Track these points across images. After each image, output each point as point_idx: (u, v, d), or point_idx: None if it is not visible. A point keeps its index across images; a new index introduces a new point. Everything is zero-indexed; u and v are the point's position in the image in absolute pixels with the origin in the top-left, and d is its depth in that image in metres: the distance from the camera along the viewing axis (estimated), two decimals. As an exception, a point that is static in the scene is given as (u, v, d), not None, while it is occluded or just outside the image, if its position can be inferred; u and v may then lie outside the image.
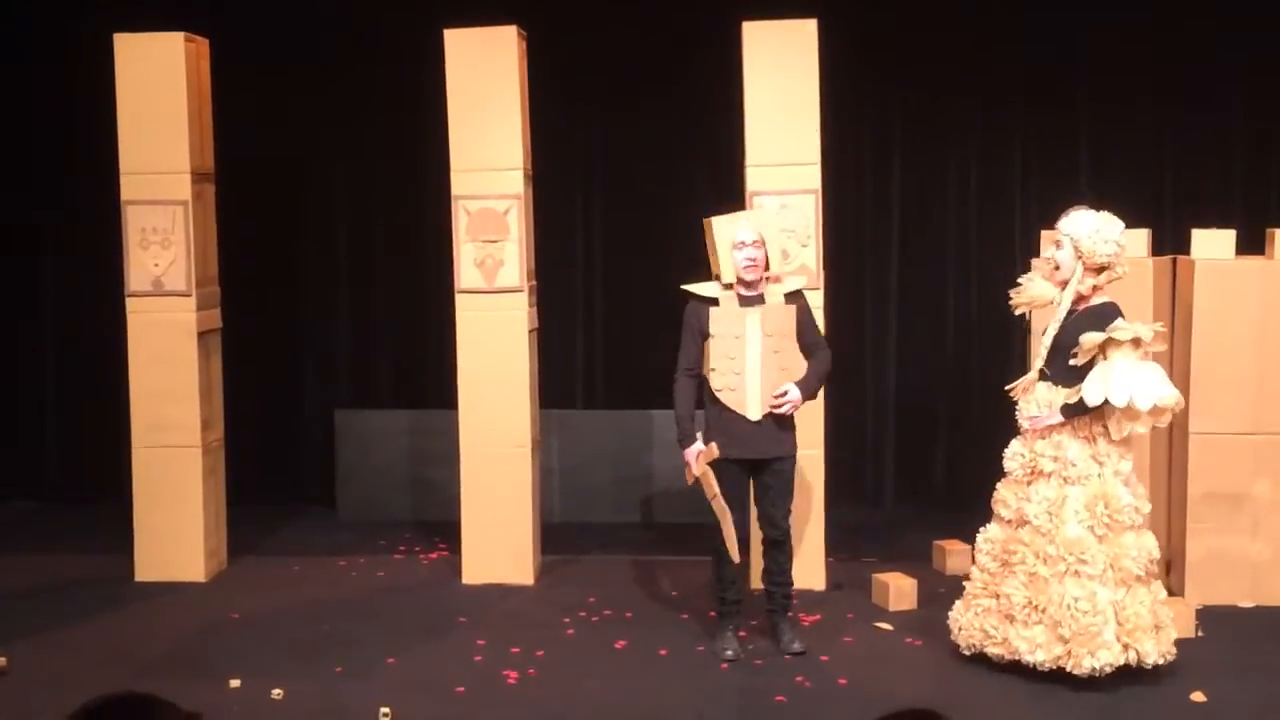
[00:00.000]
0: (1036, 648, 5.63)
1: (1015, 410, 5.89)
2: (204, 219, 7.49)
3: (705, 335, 6.09)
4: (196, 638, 6.45)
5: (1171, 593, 6.81)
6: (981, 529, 6.03)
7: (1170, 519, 6.97)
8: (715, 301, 6.10)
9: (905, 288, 8.98)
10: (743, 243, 6.02)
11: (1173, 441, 6.99)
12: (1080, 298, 5.74)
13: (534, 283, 7.49)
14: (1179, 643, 5.81)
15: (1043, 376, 5.78)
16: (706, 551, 6.47)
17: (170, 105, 7.24)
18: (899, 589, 6.86)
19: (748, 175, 7.10)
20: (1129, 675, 5.57)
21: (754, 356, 6.06)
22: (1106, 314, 5.67)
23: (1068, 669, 5.55)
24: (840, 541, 7.38)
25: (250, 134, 8.26)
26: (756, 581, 7.01)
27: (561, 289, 8.72)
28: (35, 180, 9.02)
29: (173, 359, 7.35)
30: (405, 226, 8.79)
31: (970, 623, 5.94)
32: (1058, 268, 5.81)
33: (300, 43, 8.74)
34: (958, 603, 6.09)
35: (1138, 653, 5.54)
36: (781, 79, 7.01)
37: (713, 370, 6.08)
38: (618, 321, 9.21)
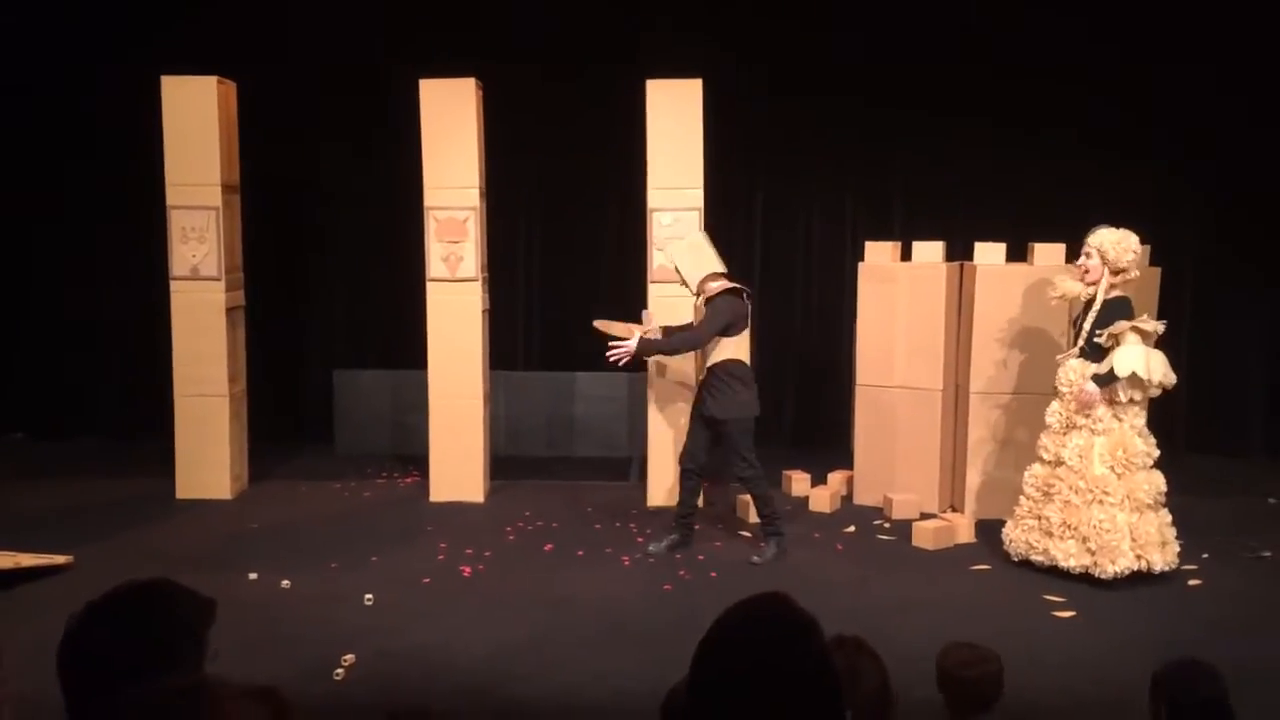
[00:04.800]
0: (1069, 556, 5.65)
1: (1055, 380, 5.83)
2: (231, 220, 7.32)
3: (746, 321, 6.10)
4: (223, 542, 6.36)
5: (954, 509, 6.95)
6: (1027, 468, 5.99)
7: (955, 457, 7.10)
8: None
9: (763, 282, 9.01)
10: None
11: (958, 400, 7.11)
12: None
13: (486, 274, 7.41)
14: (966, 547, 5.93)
15: (1081, 354, 5.74)
16: (613, 478, 6.45)
17: (205, 132, 7.07)
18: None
19: (649, 195, 7.09)
20: (1142, 577, 5.60)
21: None
22: (1124, 305, 5.66)
23: (1094, 574, 5.57)
24: (713, 472, 7.42)
25: (267, 155, 8.06)
26: (655, 500, 7.06)
27: (507, 278, 8.64)
28: (99, 191, 8.74)
29: (206, 328, 7.19)
30: (388, 229, 8.63)
31: (1018, 537, 5.92)
32: (1088, 272, 5.75)
33: (307, 85, 8.52)
34: (1009, 522, 6.05)
35: (1148, 561, 5.57)
36: (674, 122, 7.00)
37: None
38: (549, 304, 9.14)
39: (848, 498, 7.35)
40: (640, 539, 6.38)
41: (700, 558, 6.12)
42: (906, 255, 7.23)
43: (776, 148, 8.75)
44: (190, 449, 7.23)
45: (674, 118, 7.00)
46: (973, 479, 6.94)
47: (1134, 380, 5.53)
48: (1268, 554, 6.19)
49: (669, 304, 6.99)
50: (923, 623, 5.12)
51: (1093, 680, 4.50)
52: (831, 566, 6.01)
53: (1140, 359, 5.51)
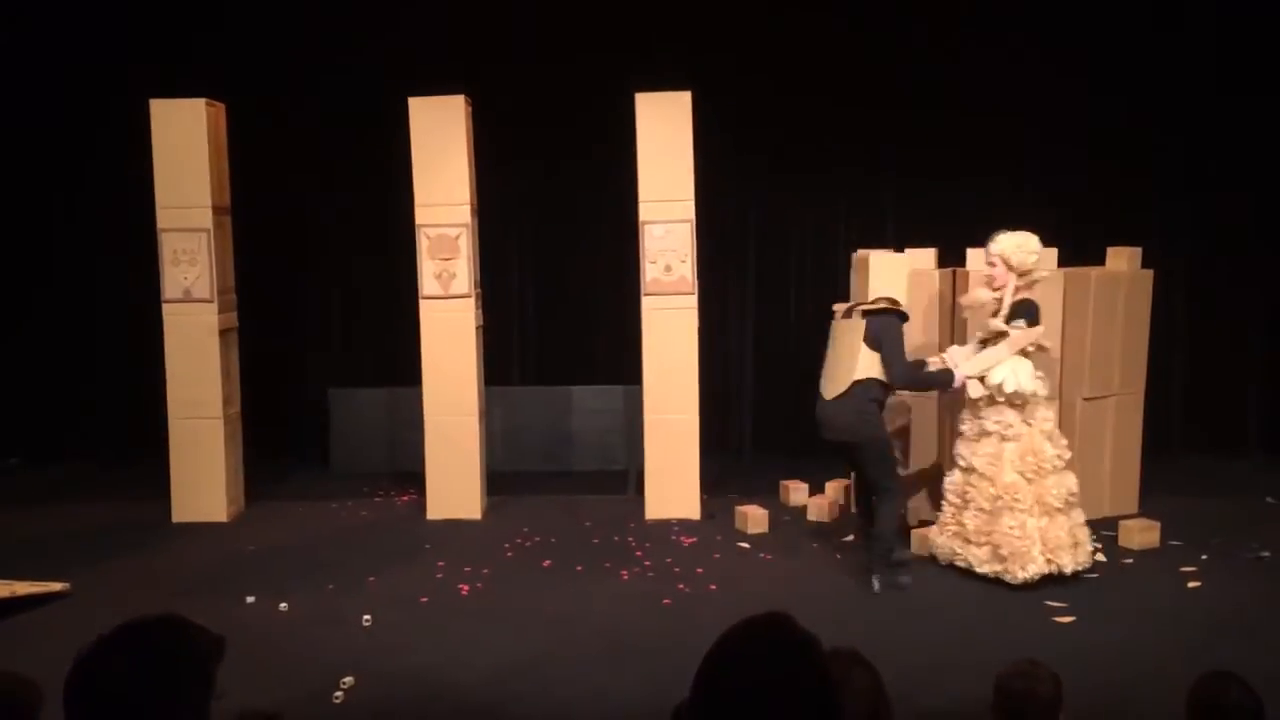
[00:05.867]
0: (982, 563, 5.74)
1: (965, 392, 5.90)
2: (222, 242, 7.32)
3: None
4: (220, 565, 6.33)
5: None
6: (947, 474, 6.08)
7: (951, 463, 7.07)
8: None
9: (757, 294, 9.03)
10: None
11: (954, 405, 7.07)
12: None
13: (479, 290, 7.41)
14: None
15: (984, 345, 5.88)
16: (611, 491, 6.42)
17: (195, 154, 7.07)
18: (754, 517, 6.92)
19: (640, 208, 7.10)
20: (1053, 580, 5.63)
21: None
22: (1028, 307, 5.75)
23: (1005, 579, 5.63)
24: (711, 483, 7.43)
25: (258, 175, 8.07)
26: (652, 513, 7.05)
27: (500, 294, 8.63)
28: (91, 215, 8.76)
29: (199, 351, 7.19)
30: (380, 247, 8.67)
31: (944, 544, 6.01)
32: (994, 279, 5.82)
33: (296, 105, 8.56)
34: (934, 528, 6.16)
35: (1058, 565, 5.62)
36: (665, 134, 7.02)
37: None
38: (543, 318, 9.16)
39: (845, 506, 7.35)
40: (639, 552, 6.37)
41: (699, 570, 6.12)
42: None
43: (768, 157, 8.78)
44: (185, 472, 7.22)
45: (664, 130, 7.01)
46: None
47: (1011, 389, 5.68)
48: (1267, 554, 6.19)
49: (661, 316, 7.02)
50: (922, 631, 5.13)
51: (1094, 685, 4.49)
52: (830, 576, 6.00)
53: (1008, 370, 5.66)
